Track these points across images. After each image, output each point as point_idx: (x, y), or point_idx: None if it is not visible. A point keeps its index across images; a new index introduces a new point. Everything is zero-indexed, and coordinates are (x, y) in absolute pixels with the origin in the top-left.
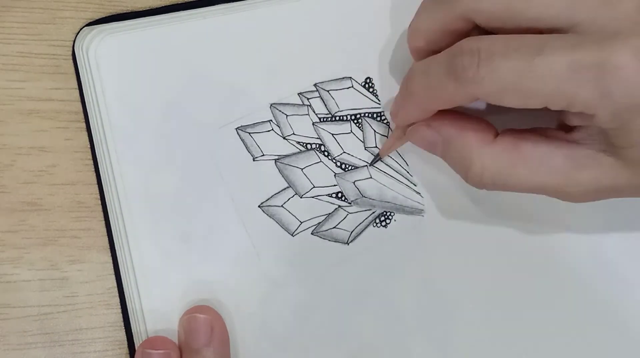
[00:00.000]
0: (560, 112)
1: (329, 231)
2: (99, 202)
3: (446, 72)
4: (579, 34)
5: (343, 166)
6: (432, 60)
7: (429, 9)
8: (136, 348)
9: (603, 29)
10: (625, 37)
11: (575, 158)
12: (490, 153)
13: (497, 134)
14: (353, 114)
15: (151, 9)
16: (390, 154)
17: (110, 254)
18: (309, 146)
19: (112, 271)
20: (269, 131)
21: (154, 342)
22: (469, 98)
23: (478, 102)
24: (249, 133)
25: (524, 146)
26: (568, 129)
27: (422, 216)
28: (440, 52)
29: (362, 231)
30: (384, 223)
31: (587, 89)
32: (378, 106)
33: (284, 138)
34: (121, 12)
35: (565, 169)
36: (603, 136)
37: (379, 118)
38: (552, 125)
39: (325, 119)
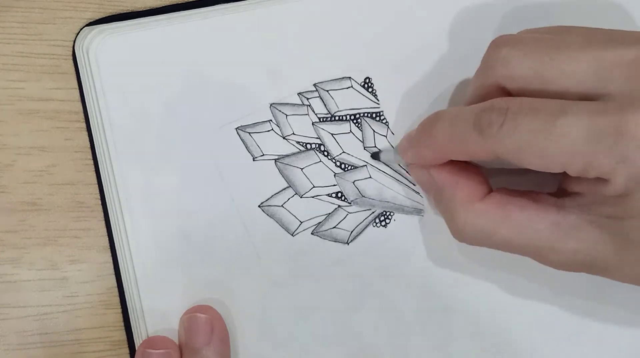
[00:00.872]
0: (564, 177)
1: (329, 231)
2: (99, 202)
3: (472, 125)
4: (604, 101)
5: (343, 166)
6: (461, 110)
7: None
8: (136, 348)
9: (629, 98)
10: None
11: (561, 226)
12: (475, 210)
13: (489, 192)
14: (352, 114)
15: (151, 9)
16: None
17: (110, 254)
18: (308, 146)
19: (112, 271)
20: (268, 131)
21: (154, 341)
22: (489, 154)
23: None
24: (249, 133)
25: (510, 207)
26: (562, 194)
27: (422, 216)
28: None
29: (362, 231)
30: (383, 223)
31: (605, 154)
32: (377, 106)
33: (284, 138)
34: (121, 12)
35: (548, 237)
36: (597, 206)
37: (378, 118)
38: (553, 189)
39: (324, 119)
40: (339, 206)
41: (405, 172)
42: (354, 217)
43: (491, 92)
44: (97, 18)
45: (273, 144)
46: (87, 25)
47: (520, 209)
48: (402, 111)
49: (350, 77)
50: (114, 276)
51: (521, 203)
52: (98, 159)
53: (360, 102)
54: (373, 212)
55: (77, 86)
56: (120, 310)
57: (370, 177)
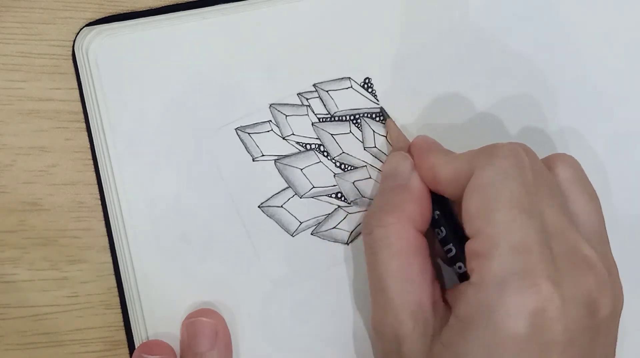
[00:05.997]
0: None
1: (328, 231)
2: (99, 202)
3: None
4: None
5: (342, 166)
6: None
7: None
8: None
9: None
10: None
11: None
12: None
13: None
14: (352, 115)
15: (151, 9)
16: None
17: (110, 254)
18: (308, 146)
19: (112, 271)
20: (268, 131)
21: (151, 346)
22: None
23: None
24: (249, 133)
25: None
26: None
27: None
28: None
29: None
30: None
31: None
32: (377, 106)
33: (284, 138)
34: (121, 12)
35: None
36: None
37: (377, 118)
38: None
39: (324, 120)
40: (339, 206)
41: None
42: (353, 217)
43: None
44: (97, 18)
45: (273, 145)
46: (87, 25)
47: None
48: (402, 111)
49: (349, 78)
50: (114, 276)
51: None
52: (98, 159)
53: (360, 102)
54: None
55: (77, 86)
56: (120, 310)
57: (370, 177)
